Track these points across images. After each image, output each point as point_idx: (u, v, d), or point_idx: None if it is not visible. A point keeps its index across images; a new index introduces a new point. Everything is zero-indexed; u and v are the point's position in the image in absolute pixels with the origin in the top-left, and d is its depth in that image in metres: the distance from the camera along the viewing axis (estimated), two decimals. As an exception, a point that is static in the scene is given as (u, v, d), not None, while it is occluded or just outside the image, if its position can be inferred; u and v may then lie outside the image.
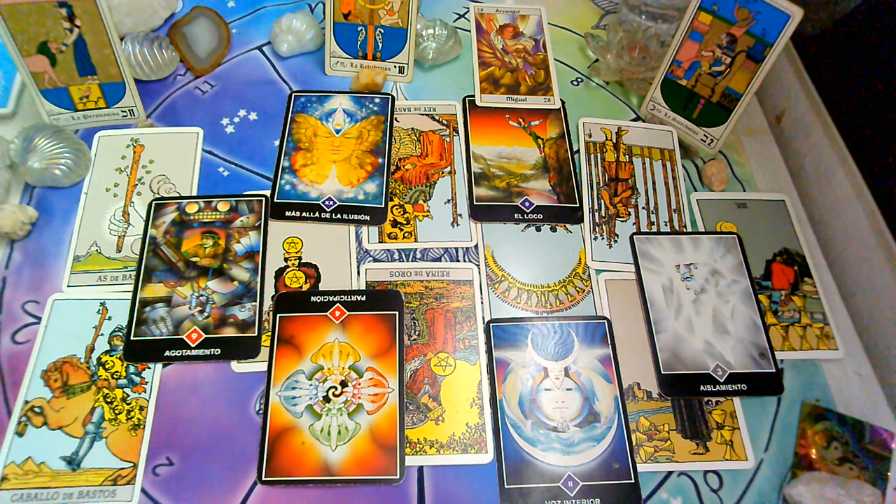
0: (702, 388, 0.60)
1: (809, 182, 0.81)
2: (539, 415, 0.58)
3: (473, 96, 0.80)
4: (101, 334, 0.61)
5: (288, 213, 0.69)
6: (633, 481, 0.56)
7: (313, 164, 0.72)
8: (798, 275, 0.69)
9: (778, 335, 0.65)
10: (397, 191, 0.72)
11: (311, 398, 0.58)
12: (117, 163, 0.71)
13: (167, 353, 0.60)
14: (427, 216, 0.70)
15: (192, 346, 0.60)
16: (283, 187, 0.71)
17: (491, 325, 0.63)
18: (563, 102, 0.80)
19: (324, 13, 0.82)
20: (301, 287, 0.65)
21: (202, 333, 0.61)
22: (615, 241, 0.70)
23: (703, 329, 0.64)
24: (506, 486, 0.55)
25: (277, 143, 0.74)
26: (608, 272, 0.68)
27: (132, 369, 0.59)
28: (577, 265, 0.69)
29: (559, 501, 0.55)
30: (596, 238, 0.70)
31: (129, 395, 0.58)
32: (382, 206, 0.70)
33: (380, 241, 0.68)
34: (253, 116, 0.77)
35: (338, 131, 0.75)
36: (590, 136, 0.78)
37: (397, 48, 0.80)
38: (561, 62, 0.85)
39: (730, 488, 0.57)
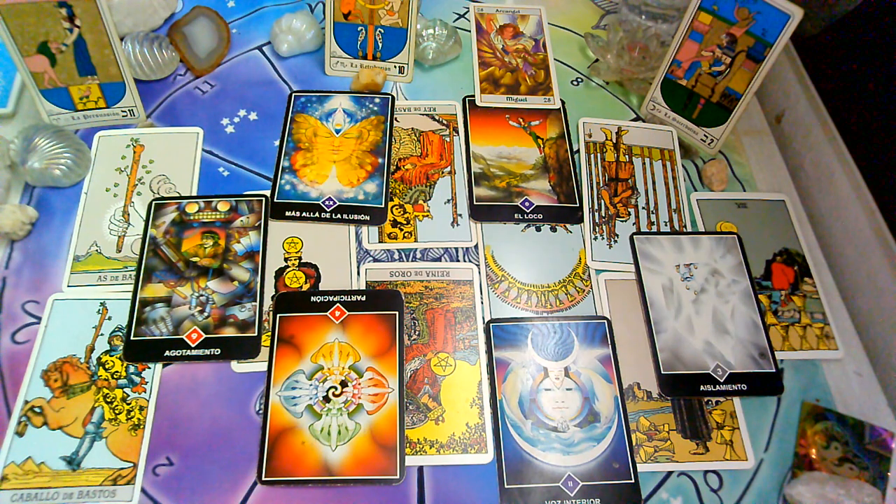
0: (702, 388, 0.60)
1: (809, 182, 0.81)
2: (539, 415, 0.58)
3: (473, 96, 0.80)
4: (101, 334, 0.61)
5: (288, 213, 0.69)
6: (633, 481, 0.56)
7: (313, 164, 0.72)
8: (798, 275, 0.69)
9: (778, 335, 0.65)
10: (397, 191, 0.72)
11: (311, 398, 0.58)
12: (117, 163, 0.71)
13: (167, 353, 0.60)
14: (427, 216, 0.70)
15: (192, 346, 0.60)
16: (283, 187, 0.71)
17: (491, 325, 0.63)
18: (563, 102, 0.80)
19: (324, 13, 0.82)
20: (301, 287, 0.65)
21: (202, 333, 0.61)
22: (615, 241, 0.70)
23: (703, 329, 0.64)
24: (506, 486, 0.55)
25: (277, 143, 0.74)
26: (608, 272, 0.68)
27: (132, 369, 0.59)
28: (577, 265, 0.69)
29: (559, 501, 0.55)
30: (596, 238, 0.70)
31: (129, 395, 0.58)
32: (382, 206, 0.70)
33: (380, 241, 0.68)
34: (253, 116, 0.77)
35: (338, 131, 0.75)
36: (590, 136, 0.78)
37: (397, 48, 0.80)
38: (561, 62, 0.85)
39: (730, 488, 0.57)
